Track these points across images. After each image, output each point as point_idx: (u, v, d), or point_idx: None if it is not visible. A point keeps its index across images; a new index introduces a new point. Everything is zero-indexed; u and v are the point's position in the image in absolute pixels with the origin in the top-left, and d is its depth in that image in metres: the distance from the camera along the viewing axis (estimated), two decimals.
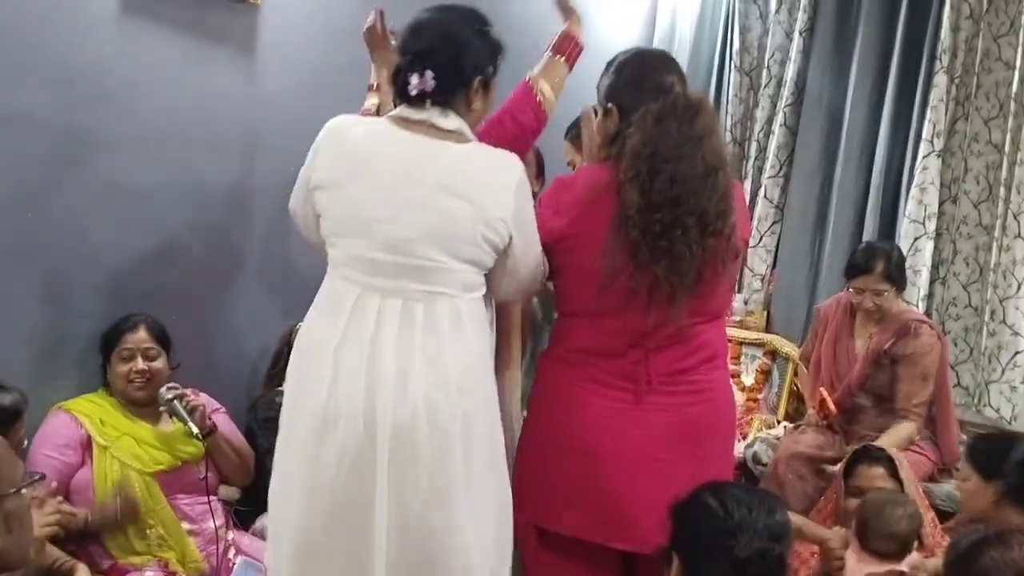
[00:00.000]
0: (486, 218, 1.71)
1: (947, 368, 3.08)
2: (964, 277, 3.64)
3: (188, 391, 2.34)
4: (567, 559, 1.90)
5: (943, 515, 2.61)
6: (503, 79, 1.87)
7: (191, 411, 2.28)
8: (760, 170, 4.05)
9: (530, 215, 1.81)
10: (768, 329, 3.93)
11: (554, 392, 1.92)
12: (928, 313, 3.53)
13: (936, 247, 3.62)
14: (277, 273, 2.86)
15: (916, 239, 3.59)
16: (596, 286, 1.81)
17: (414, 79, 1.71)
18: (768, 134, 4.05)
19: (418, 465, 1.66)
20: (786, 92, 3.96)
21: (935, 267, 3.64)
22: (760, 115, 4.07)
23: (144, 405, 2.35)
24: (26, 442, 2.13)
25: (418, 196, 1.70)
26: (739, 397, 3.61)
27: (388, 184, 1.71)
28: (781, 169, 4.00)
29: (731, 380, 3.53)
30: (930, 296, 3.63)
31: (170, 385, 2.31)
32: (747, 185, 4.04)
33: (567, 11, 2.11)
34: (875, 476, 2.40)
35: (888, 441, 2.72)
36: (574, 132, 2.47)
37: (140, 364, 2.33)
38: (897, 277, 2.91)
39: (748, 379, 3.78)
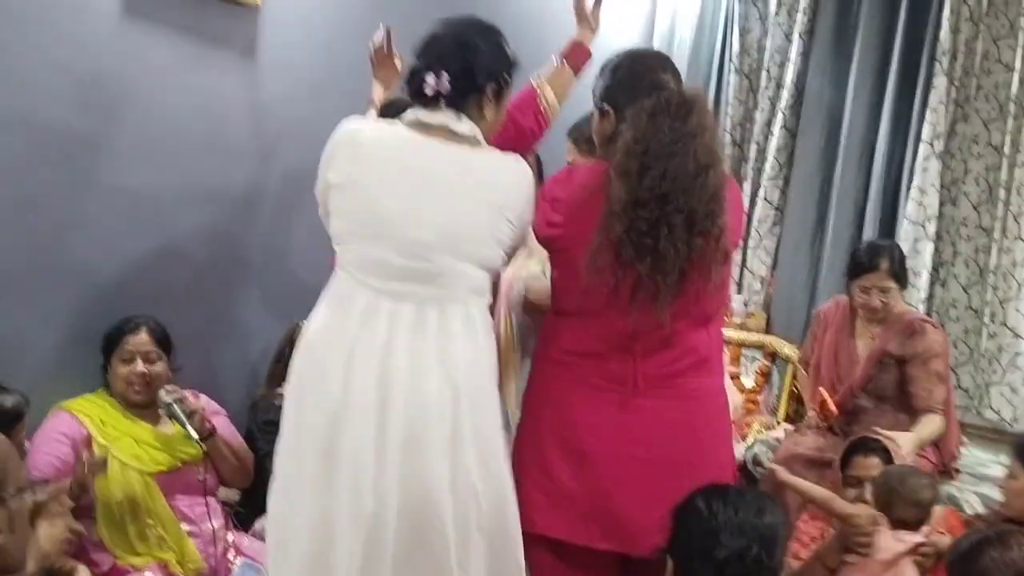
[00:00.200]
0: (501, 222, 1.75)
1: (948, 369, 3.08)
2: (964, 279, 3.64)
3: (188, 394, 2.34)
4: (559, 561, 1.88)
5: None
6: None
7: (190, 414, 2.27)
8: (760, 172, 4.05)
9: (531, 218, 1.85)
10: (768, 331, 3.93)
11: (544, 393, 1.91)
12: (928, 315, 3.52)
13: (936, 249, 3.63)
14: (279, 275, 2.86)
15: (916, 241, 3.60)
16: (583, 284, 1.79)
17: (430, 79, 1.73)
18: (768, 136, 4.05)
19: (429, 457, 1.68)
20: (786, 94, 3.97)
21: (935, 269, 3.64)
22: (760, 117, 4.08)
23: (144, 407, 2.35)
24: (27, 444, 2.13)
25: (436, 200, 1.72)
26: (739, 399, 3.61)
27: (406, 188, 1.72)
28: (781, 171, 4.01)
29: (731, 382, 3.58)
30: (930, 298, 3.64)
31: (169, 388, 2.30)
32: (747, 187, 4.04)
33: (583, 20, 2.11)
34: (871, 466, 2.40)
35: (918, 434, 2.69)
36: (576, 132, 2.47)
37: (140, 367, 2.32)
38: (901, 274, 2.91)
39: (748, 381, 3.77)
